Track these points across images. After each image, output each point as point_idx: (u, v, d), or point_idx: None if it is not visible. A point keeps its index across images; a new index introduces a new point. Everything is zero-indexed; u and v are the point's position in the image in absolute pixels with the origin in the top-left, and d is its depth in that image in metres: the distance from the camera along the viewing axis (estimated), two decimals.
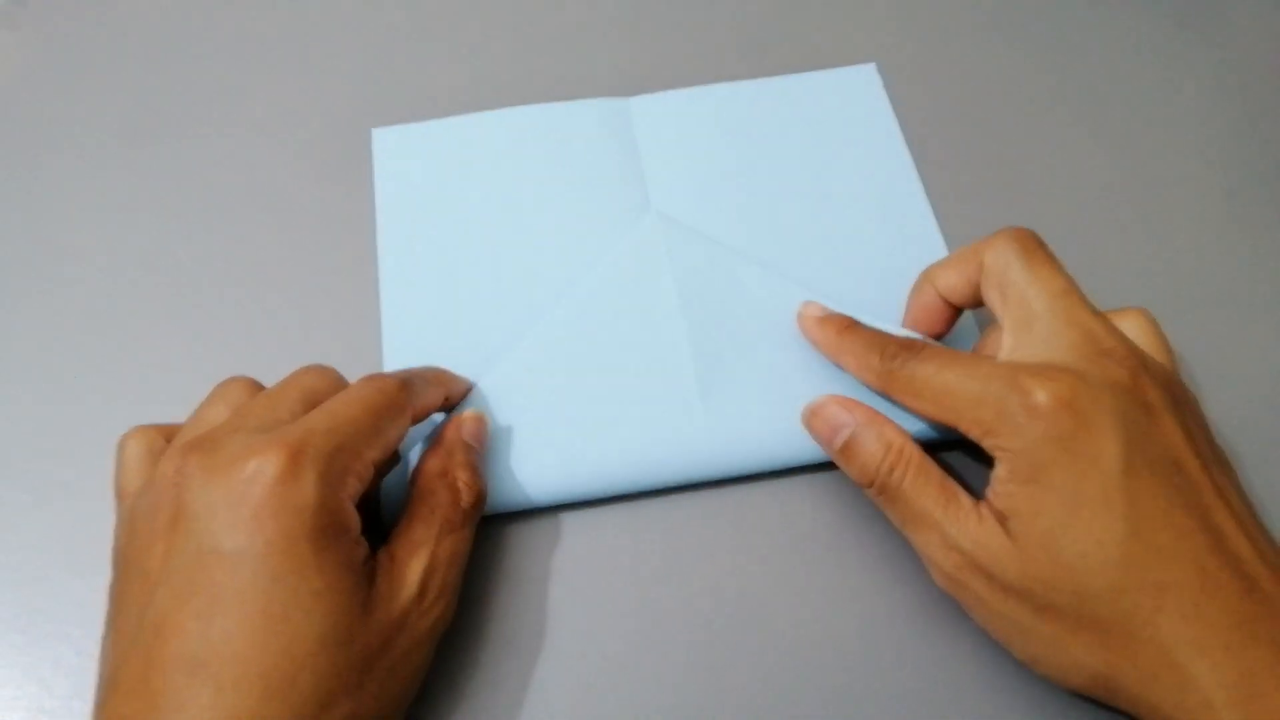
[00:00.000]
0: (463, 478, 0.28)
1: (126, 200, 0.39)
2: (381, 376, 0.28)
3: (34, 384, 0.34)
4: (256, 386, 0.29)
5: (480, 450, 0.31)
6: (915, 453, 0.28)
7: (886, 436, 0.28)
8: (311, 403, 0.27)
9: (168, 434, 0.28)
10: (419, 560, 0.26)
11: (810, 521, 0.32)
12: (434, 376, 0.31)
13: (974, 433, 0.27)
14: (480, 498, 0.29)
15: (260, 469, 0.23)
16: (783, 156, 0.40)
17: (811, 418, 0.31)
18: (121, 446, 0.28)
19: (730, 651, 0.30)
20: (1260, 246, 0.38)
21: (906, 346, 0.29)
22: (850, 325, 0.32)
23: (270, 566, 0.23)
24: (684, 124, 0.40)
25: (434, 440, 0.30)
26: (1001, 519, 0.26)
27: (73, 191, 0.39)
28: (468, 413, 0.31)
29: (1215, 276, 0.37)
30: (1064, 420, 0.25)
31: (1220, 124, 0.41)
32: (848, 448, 0.29)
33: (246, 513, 0.23)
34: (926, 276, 0.32)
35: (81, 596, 0.30)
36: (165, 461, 0.25)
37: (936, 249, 0.37)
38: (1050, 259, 0.29)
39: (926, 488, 0.27)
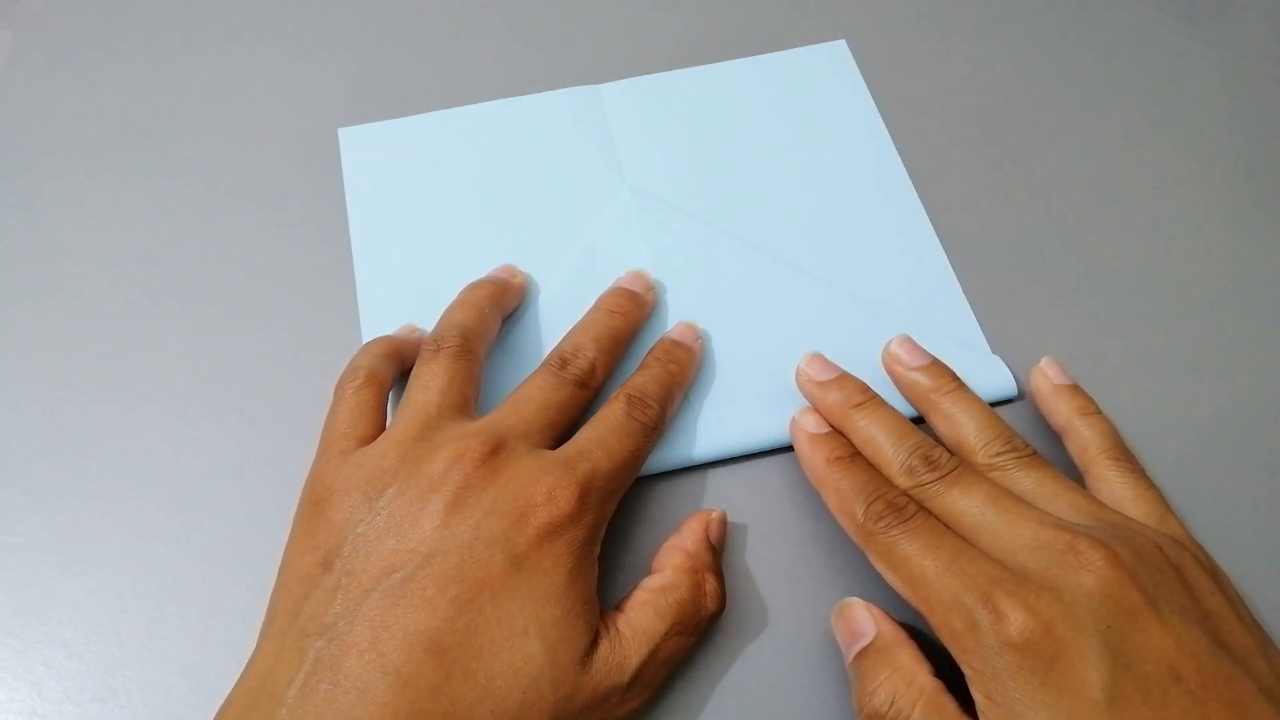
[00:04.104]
0: (712, 583, 0.27)
1: (119, 199, 0.38)
2: (650, 410, 0.28)
3: (28, 384, 0.34)
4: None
5: (721, 554, 0.29)
6: (929, 685, 0.24)
7: (902, 665, 0.25)
8: (557, 422, 0.28)
9: (396, 350, 0.30)
10: (642, 648, 0.25)
11: (787, 503, 0.31)
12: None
13: (943, 636, 0.24)
14: (721, 610, 0.27)
15: (553, 497, 0.25)
16: (757, 135, 0.39)
17: (836, 616, 0.27)
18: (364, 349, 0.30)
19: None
20: (1262, 246, 0.36)
21: (896, 508, 0.26)
22: (842, 457, 0.28)
23: (530, 584, 0.24)
24: (657, 108, 0.39)
25: (680, 531, 0.28)
26: None
27: (62, 190, 0.38)
28: (715, 513, 0.29)
29: (1215, 275, 0.35)
30: (1041, 649, 0.22)
31: (1208, 105, 0.40)
32: (859, 662, 0.26)
33: (530, 531, 0.24)
34: (838, 421, 0.29)
35: (75, 599, 0.29)
36: (455, 441, 0.26)
37: (917, 218, 0.36)
38: (959, 475, 0.26)
39: None
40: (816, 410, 0.31)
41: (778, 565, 0.30)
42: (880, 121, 0.39)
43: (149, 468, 0.32)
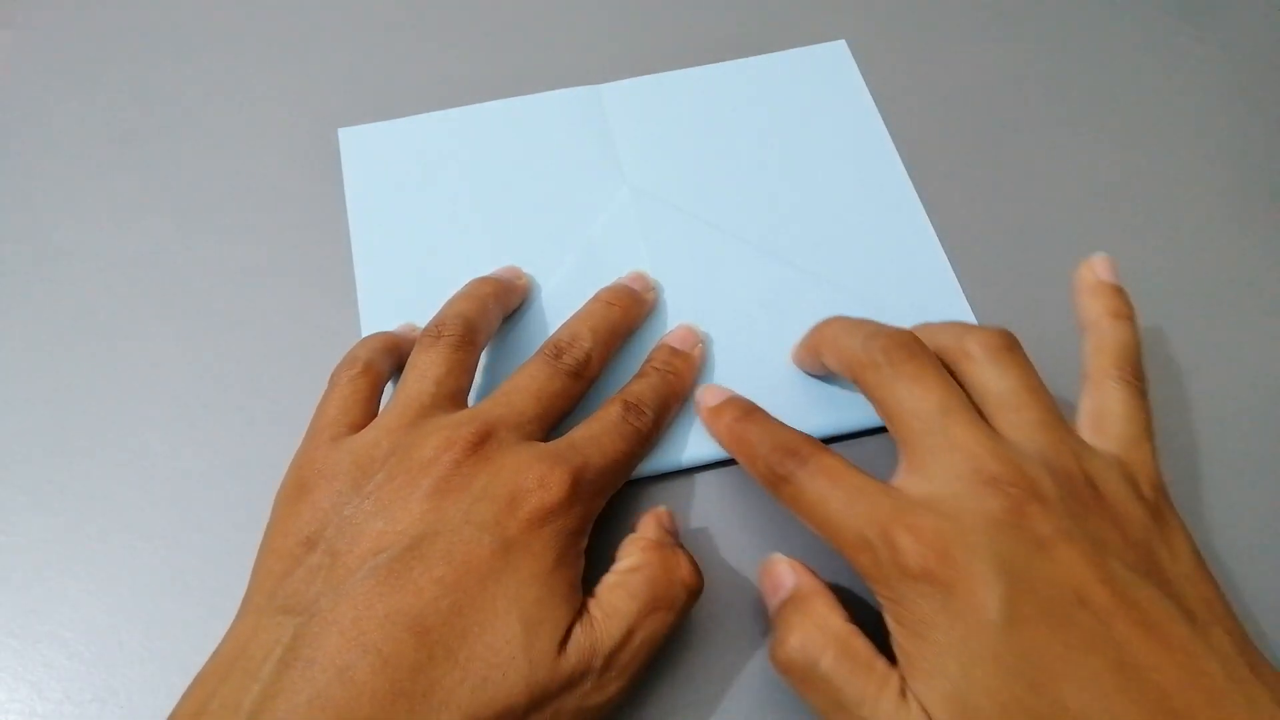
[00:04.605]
0: (683, 556, 0.27)
1: (119, 199, 0.38)
2: (645, 418, 0.29)
3: (28, 384, 0.34)
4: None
5: (679, 538, 0.29)
6: (841, 630, 0.24)
7: (815, 611, 0.25)
8: (550, 412, 0.28)
9: (394, 345, 0.31)
10: (615, 630, 0.24)
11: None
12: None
13: (857, 571, 0.24)
14: (701, 583, 0.27)
15: (545, 484, 0.25)
16: (757, 135, 0.39)
17: (760, 571, 0.27)
18: (362, 342, 0.30)
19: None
20: (1264, 246, 0.36)
21: (793, 452, 0.26)
22: (744, 414, 0.28)
23: (516, 566, 0.24)
24: (656, 108, 0.39)
25: (635, 528, 0.28)
26: (910, 686, 0.22)
27: (62, 191, 0.38)
28: (662, 508, 0.29)
29: (1216, 275, 0.35)
30: (937, 574, 0.22)
31: (1213, 111, 0.40)
32: (777, 613, 0.26)
33: (521, 516, 0.24)
34: (815, 347, 0.30)
35: (75, 599, 0.29)
36: (445, 428, 0.26)
37: (916, 218, 0.36)
38: (922, 370, 0.26)
39: (853, 675, 0.23)
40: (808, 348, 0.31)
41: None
42: (880, 121, 0.39)
43: (149, 468, 0.32)
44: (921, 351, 0.26)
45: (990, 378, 0.26)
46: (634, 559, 0.26)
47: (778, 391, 0.32)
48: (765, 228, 0.36)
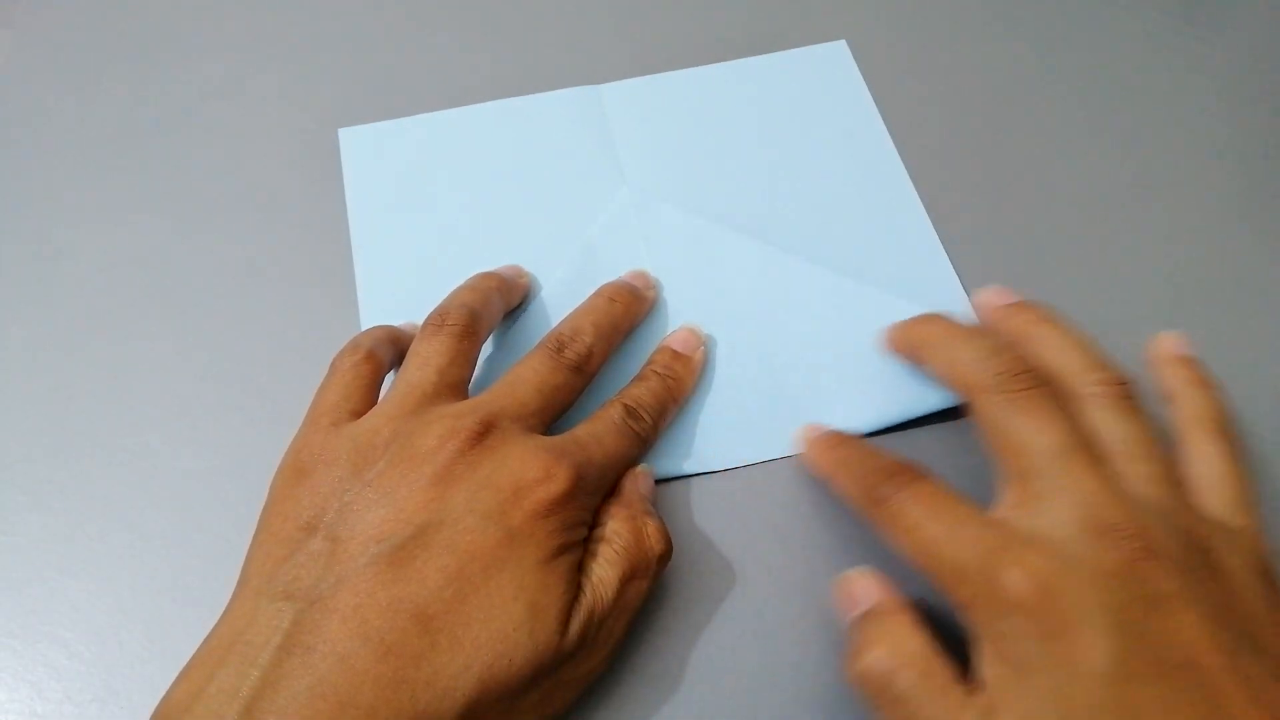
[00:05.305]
0: (652, 525, 0.27)
1: (120, 199, 0.38)
2: (644, 423, 0.29)
3: (28, 384, 0.34)
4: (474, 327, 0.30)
5: (653, 502, 0.29)
6: (921, 648, 0.23)
7: (895, 628, 0.24)
8: (551, 405, 0.28)
9: (396, 337, 0.31)
10: (605, 597, 0.25)
11: (775, 508, 0.31)
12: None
13: (953, 600, 0.24)
14: (670, 548, 0.27)
15: (551, 475, 0.25)
16: (757, 135, 0.39)
17: (839, 584, 0.27)
18: (366, 330, 0.31)
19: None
20: (1264, 246, 0.36)
21: (893, 475, 0.25)
22: (835, 445, 0.29)
23: (521, 554, 0.24)
24: (657, 108, 0.39)
25: (614, 491, 0.28)
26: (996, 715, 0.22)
27: (62, 191, 0.38)
28: (640, 468, 0.29)
29: (1217, 275, 0.35)
30: (1044, 614, 0.21)
31: (1211, 107, 0.40)
32: (855, 625, 0.25)
33: (526, 506, 0.24)
34: (915, 346, 0.30)
35: (75, 599, 0.29)
36: (448, 417, 0.26)
37: (916, 216, 0.36)
38: (1042, 403, 0.25)
39: (931, 697, 0.23)
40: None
41: (769, 570, 0.30)
42: (880, 121, 0.39)
43: (149, 468, 0.32)
44: (1041, 381, 0.26)
45: (1109, 421, 0.26)
46: (605, 529, 0.27)
47: (776, 392, 0.32)
48: (765, 228, 0.36)
